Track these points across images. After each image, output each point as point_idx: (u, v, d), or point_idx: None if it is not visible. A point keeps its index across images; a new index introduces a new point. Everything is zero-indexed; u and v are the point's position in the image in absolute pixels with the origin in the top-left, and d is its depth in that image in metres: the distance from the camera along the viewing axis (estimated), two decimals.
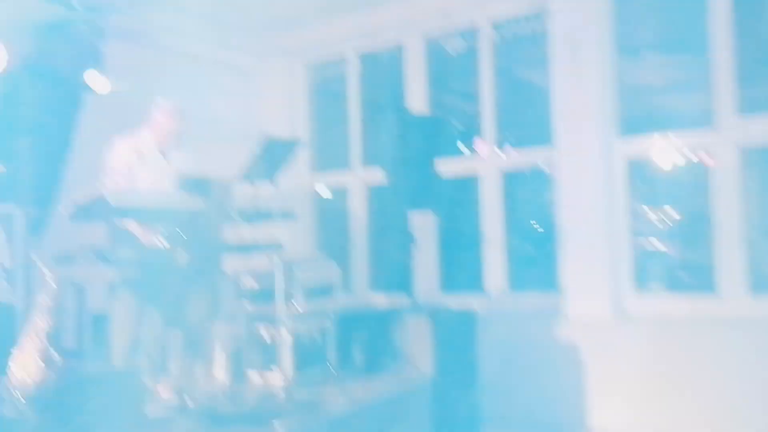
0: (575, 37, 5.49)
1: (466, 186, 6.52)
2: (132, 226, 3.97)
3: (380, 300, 6.78)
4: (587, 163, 5.53)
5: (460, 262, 6.68)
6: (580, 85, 5.50)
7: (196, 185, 3.64)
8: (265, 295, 4.23)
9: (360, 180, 7.15)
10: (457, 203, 6.41)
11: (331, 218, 7.57)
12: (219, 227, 3.72)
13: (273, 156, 3.86)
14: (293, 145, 4.27)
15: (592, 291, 5.52)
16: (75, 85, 5.57)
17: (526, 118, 6.51)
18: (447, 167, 5.80)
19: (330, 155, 7.54)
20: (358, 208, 7.17)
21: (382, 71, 7.13)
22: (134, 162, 4.25)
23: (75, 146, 5.79)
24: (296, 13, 6.76)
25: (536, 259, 6.46)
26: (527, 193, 6.60)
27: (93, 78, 5.57)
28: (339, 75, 7.33)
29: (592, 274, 5.51)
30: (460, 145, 6.67)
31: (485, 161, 6.38)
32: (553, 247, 5.87)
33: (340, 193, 7.37)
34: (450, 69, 6.73)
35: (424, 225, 6.12)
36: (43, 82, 5.39)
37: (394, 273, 6.67)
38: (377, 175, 6.79)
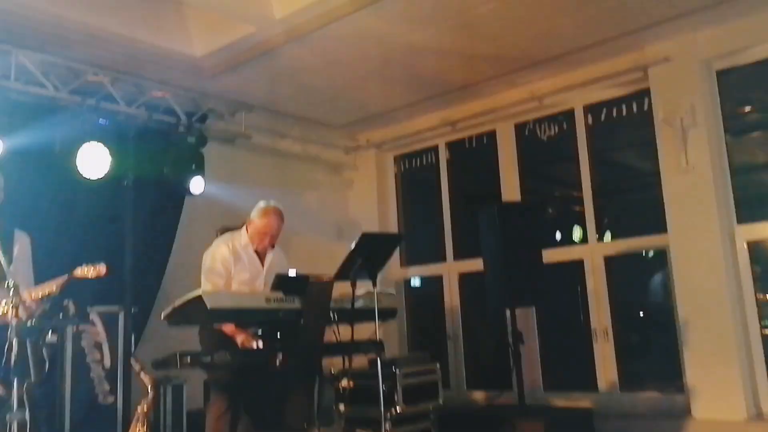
0: (680, 119, 5.21)
1: (568, 276, 6.18)
2: (228, 328, 3.90)
3: (479, 397, 6.40)
4: (706, 249, 5.12)
5: (564, 356, 6.25)
6: (691, 167, 5.17)
7: (294, 285, 3.53)
8: (365, 396, 4.01)
9: (454, 272, 6.94)
10: (559, 294, 6.05)
11: (423, 312, 7.34)
12: (317, 327, 3.57)
13: (372, 252, 3.74)
14: (393, 240, 4.15)
15: (722, 389, 4.96)
16: (176, 188, 5.75)
17: (629, 203, 6.19)
18: (547, 256, 5.52)
19: (421, 247, 7.41)
20: (452, 301, 6.92)
21: (473, 159, 7.03)
22: (231, 263, 4.22)
23: (174, 247, 5.93)
24: (385, 109, 6.84)
25: (650, 352, 5.96)
26: (636, 282, 6.17)
27: (194, 182, 5.75)
28: (428, 165, 7.29)
29: (722, 370, 4.97)
30: (560, 232, 6.39)
31: (588, 249, 6.05)
32: (671, 339, 5.39)
33: (433, 286, 7.16)
34: (543, 154, 6.55)
35: (524, 317, 5.80)
36: (146, 186, 5.60)
37: (494, 369, 6.32)
38: (473, 267, 6.67)
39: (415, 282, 7.49)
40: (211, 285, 4.13)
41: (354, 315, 3.62)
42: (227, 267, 4.20)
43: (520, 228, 4.56)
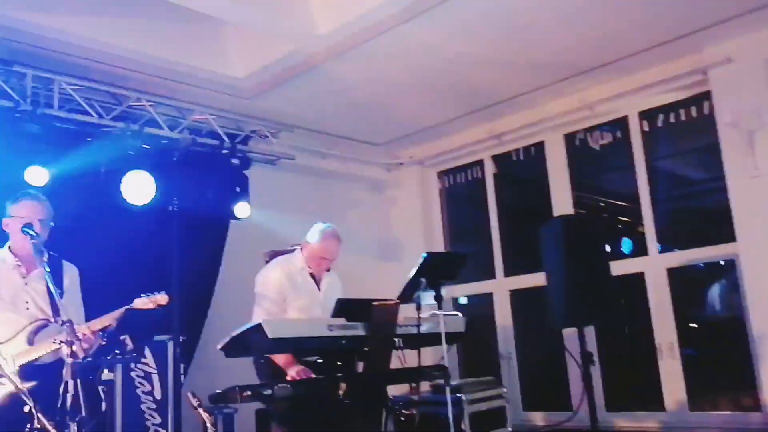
0: (745, 122, 4.94)
1: (627, 290, 5.90)
2: (281, 359, 3.73)
3: (538, 419, 6.13)
4: None
5: (627, 374, 5.95)
6: (761, 172, 4.89)
7: (357, 310, 3.34)
8: (429, 425, 3.79)
9: (505, 289, 6.70)
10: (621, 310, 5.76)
11: (473, 331, 7.08)
12: (383, 353, 3.37)
13: (436, 272, 3.55)
14: (458, 259, 3.95)
15: None
16: (221, 212, 5.64)
17: (690, 211, 5.92)
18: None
19: (468, 264, 7.15)
20: (504, 319, 6.67)
21: (521, 172, 6.81)
22: (287, 288, 4.06)
23: (220, 273, 5.80)
24: (429, 124, 6.68)
25: (721, 367, 5.64)
26: (702, 294, 5.87)
27: (239, 206, 5.64)
28: (474, 179, 7.08)
29: None
30: (616, 245, 6.12)
31: (649, 261, 5.77)
32: (743, 354, 5.08)
33: (482, 304, 6.92)
34: (595, 164, 6.30)
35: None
36: (190, 212, 5.48)
37: (553, 391, 6.05)
38: (525, 283, 6.44)
39: (463, 300, 7.25)
40: (264, 312, 3.97)
41: (420, 340, 3.42)
42: (282, 293, 4.04)
43: (584, 241, 4.31)
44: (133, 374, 4.86)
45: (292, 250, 4.28)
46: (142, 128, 5.23)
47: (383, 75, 5.49)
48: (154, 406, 4.87)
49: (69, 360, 2.82)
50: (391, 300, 3.43)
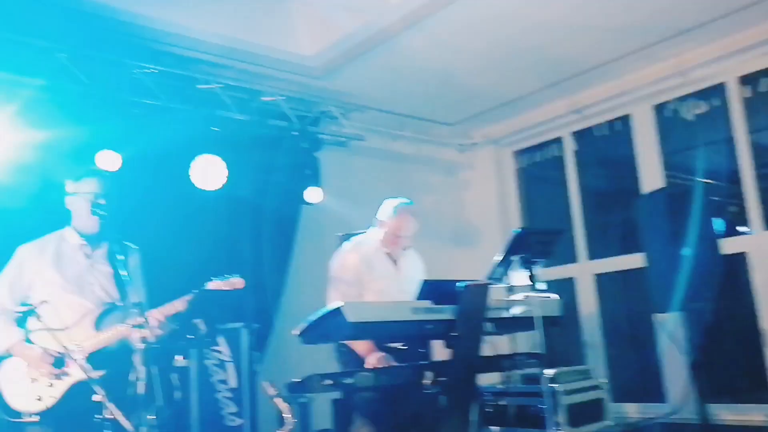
0: None
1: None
2: (360, 346, 3.52)
3: (632, 412, 5.72)
4: None
5: (726, 363, 5.47)
6: None
7: (444, 291, 3.08)
8: (521, 417, 3.50)
9: (588, 273, 6.30)
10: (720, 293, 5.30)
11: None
12: (473, 339, 3.10)
13: (530, 250, 3.24)
14: (554, 235, 3.63)
15: None
16: (292, 196, 5.48)
17: None
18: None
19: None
20: (588, 305, 6.27)
21: (604, 148, 6.37)
22: (363, 271, 3.83)
23: (294, 260, 5.63)
24: (504, 100, 6.32)
25: None
26: None
27: (310, 191, 5.47)
28: (553, 158, 6.69)
29: None
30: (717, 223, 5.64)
31: (754, 240, 5.27)
32: None
33: (563, 290, 6.52)
34: (688, 137, 5.81)
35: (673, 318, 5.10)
36: (261, 196, 5.35)
37: (645, 379, 5.64)
38: (610, 266, 6.03)
39: (541, 286, 6.86)
40: (341, 295, 3.76)
41: (513, 324, 3.13)
42: (359, 276, 3.83)
43: (690, 216, 3.91)
44: (207, 362, 4.74)
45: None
46: (211, 111, 5.10)
47: (457, 46, 5.18)
48: (229, 394, 4.74)
49: (140, 346, 2.67)
50: (482, 280, 3.14)
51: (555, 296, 3.50)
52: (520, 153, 7.01)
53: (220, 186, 5.07)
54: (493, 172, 7.04)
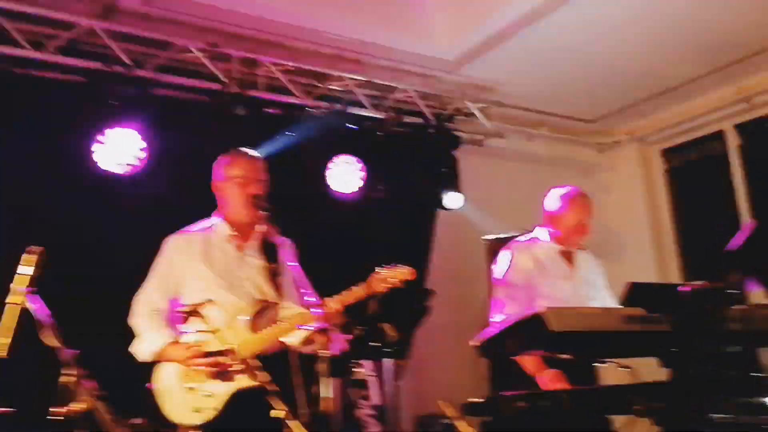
0: None
1: None
2: (530, 363, 3.03)
3: None
4: None
5: None
6: None
7: (659, 296, 2.53)
8: None
9: None
10: None
11: None
12: (699, 356, 2.53)
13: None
14: None
15: None
16: (429, 197, 5.09)
17: None
18: None
19: (705, 257, 6.04)
20: None
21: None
22: (535, 275, 3.37)
23: (431, 264, 5.21)
24: (653, 92, 5.70)
25: None
26: None
27: (449, 196, 5.07)
28: (711, 156, 5.97)
29: None
30: None
31: None
32: None
33: None
34: None
35: None
36: (397, 197, 4.98)
37: None
38: None
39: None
40: (511, 302, 3.34)
41: (753, 338, 2.54)
42: (529, 279, 3.38)
43: None
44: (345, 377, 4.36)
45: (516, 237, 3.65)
46: (346, 108, 4.79)
47: (603, 29, 4.68)
48: (372, 412, 4.33)
49: (319, 353, 2.24)
50: (708, 283, 2.57)
51: None
52: (671, 151, 6.31)
53: (356, 189, 4.76)
54: (638, 174, 6.38)
